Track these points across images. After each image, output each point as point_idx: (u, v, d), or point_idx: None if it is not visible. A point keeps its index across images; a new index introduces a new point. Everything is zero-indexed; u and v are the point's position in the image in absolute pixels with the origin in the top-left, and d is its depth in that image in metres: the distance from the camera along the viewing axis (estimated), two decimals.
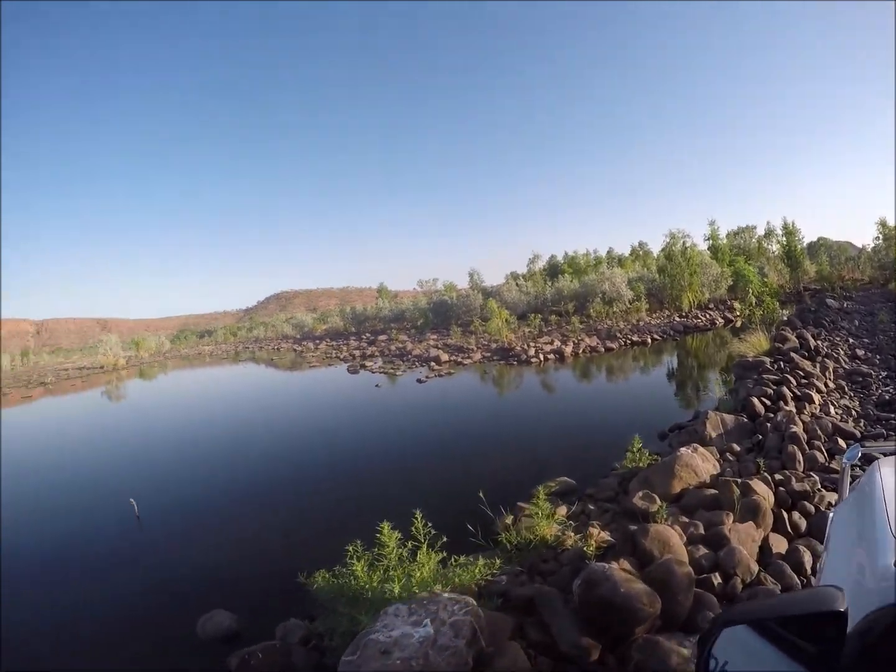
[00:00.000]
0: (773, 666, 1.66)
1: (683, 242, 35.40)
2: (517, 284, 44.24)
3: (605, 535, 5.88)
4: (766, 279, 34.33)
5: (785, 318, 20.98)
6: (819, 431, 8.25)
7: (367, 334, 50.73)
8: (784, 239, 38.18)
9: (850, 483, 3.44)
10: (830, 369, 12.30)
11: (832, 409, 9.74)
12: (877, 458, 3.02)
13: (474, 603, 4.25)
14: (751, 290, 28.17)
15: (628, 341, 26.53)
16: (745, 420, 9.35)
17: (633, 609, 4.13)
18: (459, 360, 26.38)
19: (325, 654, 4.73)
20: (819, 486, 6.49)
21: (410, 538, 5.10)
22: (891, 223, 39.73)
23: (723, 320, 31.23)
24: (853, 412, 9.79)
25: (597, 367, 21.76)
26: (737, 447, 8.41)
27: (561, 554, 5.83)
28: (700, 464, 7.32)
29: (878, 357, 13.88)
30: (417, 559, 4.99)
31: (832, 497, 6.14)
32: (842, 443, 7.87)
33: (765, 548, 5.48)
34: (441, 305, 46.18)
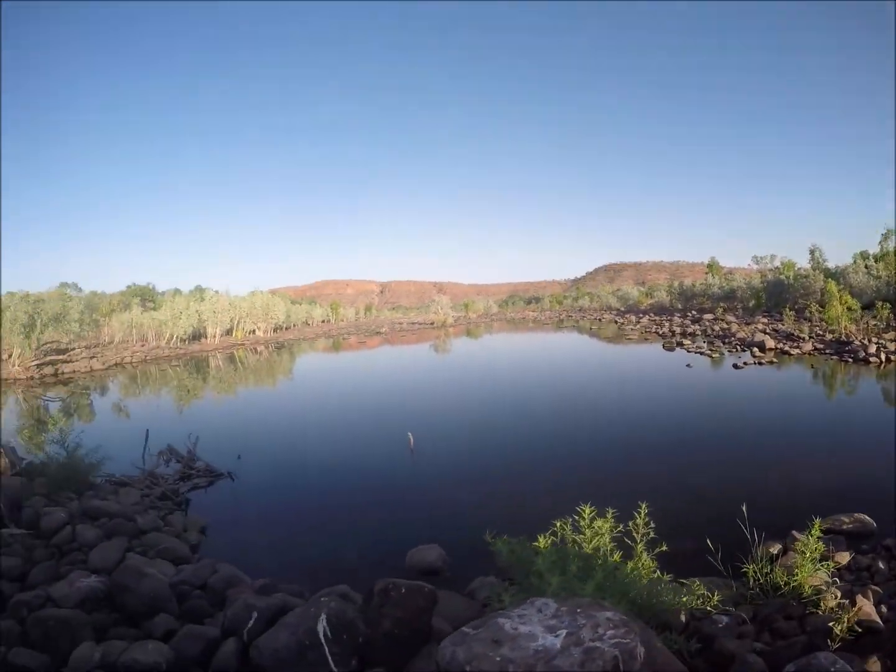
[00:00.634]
0: None
1: None
2: (866, 266, 38.08)
3: (871, 612, 4.42)
4: None
5: None
6: None
7: (693, 312, 49.72)
8: None
9: None
10: None
11: None
12: None
13: (636, 632, 3.31)
14: None
15: None
16: None
17: None
18: (786, 348, 24.75)
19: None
20: None
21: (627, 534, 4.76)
22: None
23: None
24: None
25: None
26: None
27: (807, 617, 4.62)
28: None
29: None
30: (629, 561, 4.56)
31: None
32: None
33: None
34: (776, 286, 42.79)
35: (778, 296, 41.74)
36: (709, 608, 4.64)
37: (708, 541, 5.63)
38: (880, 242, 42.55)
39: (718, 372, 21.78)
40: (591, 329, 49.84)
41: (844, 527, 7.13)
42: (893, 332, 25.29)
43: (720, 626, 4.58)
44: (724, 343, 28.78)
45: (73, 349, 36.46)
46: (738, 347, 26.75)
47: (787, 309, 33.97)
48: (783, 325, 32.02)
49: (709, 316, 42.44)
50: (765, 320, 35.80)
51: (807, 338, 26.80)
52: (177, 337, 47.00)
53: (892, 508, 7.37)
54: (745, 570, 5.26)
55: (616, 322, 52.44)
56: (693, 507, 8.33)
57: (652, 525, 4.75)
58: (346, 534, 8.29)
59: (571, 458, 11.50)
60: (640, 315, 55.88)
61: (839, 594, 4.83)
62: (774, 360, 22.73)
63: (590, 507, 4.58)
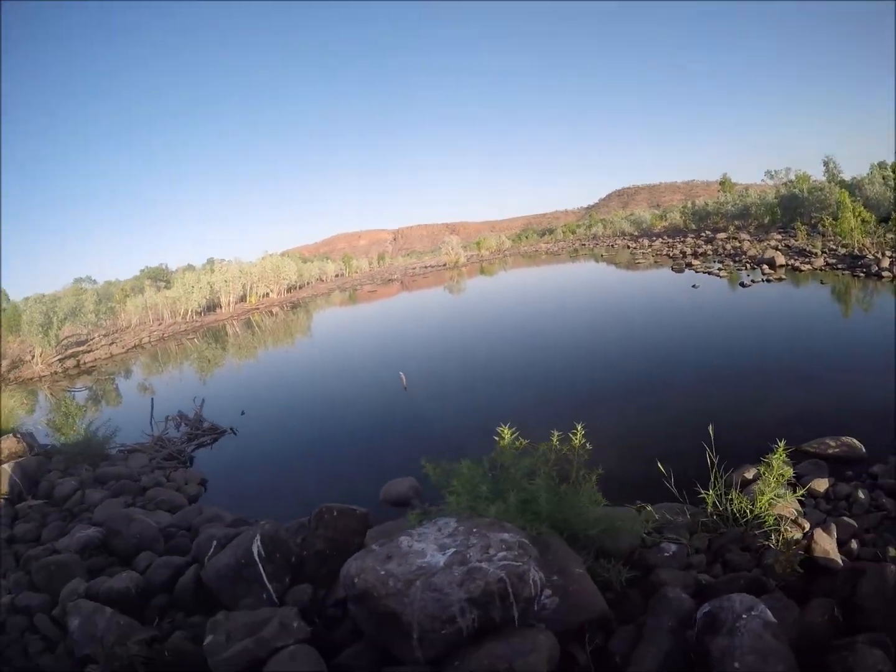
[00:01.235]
0: None
1: None
2: (883, 177, 36.23)
3: (830, 549, 4.24)
4: None
5: None
6: None
7: (707, 232, 48.96)
8: None
9: None
10: None
11: None
12: None
13: (532, 556, 3.48)
14: None
15: None
16: None
17: None
18: (797, 265, 24.38)
19: None
20: None
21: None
22: None
23: None
24: None
25: None
26: None
27: (767, 549, 4.53)
28: None
29: None
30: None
31: None
32: None
33: None
34: (790, 200, 41.62)
35: (793, 211, 40.64)
36: (659, 536, 4.72)
37: (660, 465, 5.59)
38: None
39: (724, 291, 21.94)
40: (601, 256, 50.17)
41: (830, 451, 6.92)
42: None
43: (666, 555, 4.58)
44: (734, 262, 28.60)
45: (92, 339, 37.35)
46: (749, 265, 26.60)
47: (800, 224, 33.30)
48: (796, 240, 31.40)
49: (722, 235, 41.81)
50: (779, 237, 35.18)
51: (819, 253, 26.22)
52: (191, 311, 47.73)
53: (886, 433, 7.13)
54: (702, 495, 5.07)
55: (629, 247, 52.24)
56: (668, 432, 8.40)
57: (589, 447, 4.81)
58: (334, 474, 8.99)
59: (561, 387, 12.04)
60: (654, 238, 55.23)
61: (807, 525, 4.83)
62: (783, 276, 22.63)
63: (510, 428, 4.74)
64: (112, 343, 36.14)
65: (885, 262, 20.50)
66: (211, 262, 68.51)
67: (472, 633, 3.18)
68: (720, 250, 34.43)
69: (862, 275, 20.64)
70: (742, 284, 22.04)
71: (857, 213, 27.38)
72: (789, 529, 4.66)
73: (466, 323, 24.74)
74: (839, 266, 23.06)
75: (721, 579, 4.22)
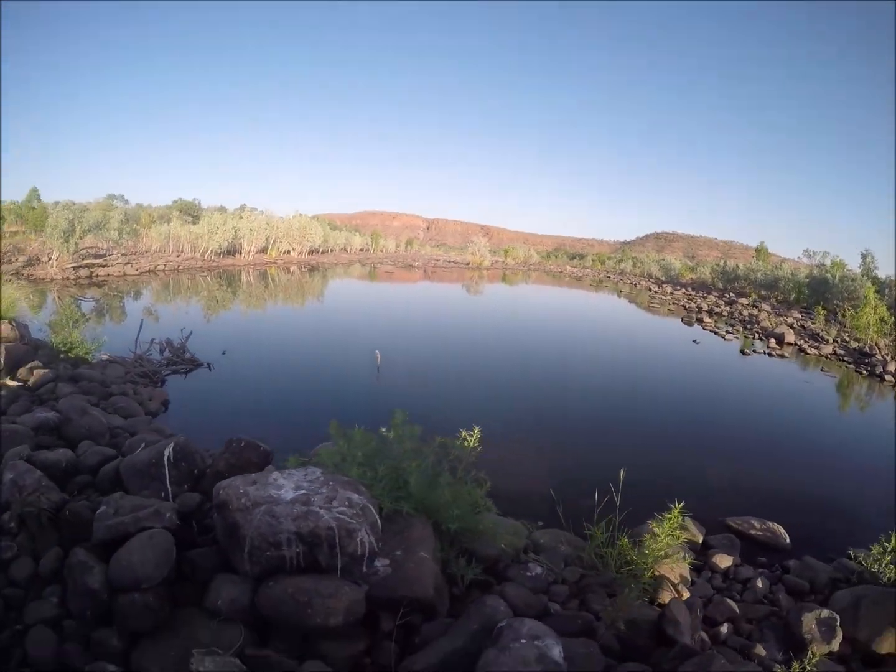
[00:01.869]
0: None
1: None
2: None
3: (683, 622, 4.23)
4: None
5: None
6: None
7: (731, 294, 49.03)
8: None
9: None
10: None
11: None
12: None
13: (370, 521, 3.89)
14: None
15: None
16: None
17: None
18: (805, 346, 24.50)
19: None
20: None
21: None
22: None
23: None
24: None
25: None
26: None
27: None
28: None
29: None
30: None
31: None
32: None
33: None
34: (820, 283, 41.57)
35: (820, 294, 40.53)
36: (533, 557, 5.05)
37: (552, 492, 6.01)
38: None
39: (721, 353, 22.28)
40: (621, 292, 51.16)
41: (752, 532, 7.12)
42: None
43: (528, 574, 4.83)
44: (746, 328, 28.87)
45: (111, 255, 37.98)
46: (759, 335, 26.80)
47: (821, 308, 33.39)
48: (813, 324, 31.45)
49: (744, 300, 42.02)
50: (798, 315, 35.27)
51: (830, 340, 26.24)
52: (211, 250, 48.18)
53: (821, 531, 7.33)
54: (589, 532, 5.09)
55: (650, 290, 52.83)
56: (597, 466, 8.65)
57: (477, 448, 5.24)
58: (285, 424, 9.61)
59: (517, 400, 12.66)
60: (678, 287, 55.41)
61: (686, 594, 5.05)
62: (787, 354, 22.80)
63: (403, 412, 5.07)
64: (128, 263, 36.65)
65: (892, 367, 20.31)
66: (243, 208, 69.17)
67: (298, 567, 3.67)
68: (736, 314, 34.72)
69: (865, 372, 20.57)
70: (742, 352, 22.30)
71: (876, 311, 27.28)
72: (662, 590, 4.84)
73: (462, 322, 25.53)
74: (846, 358, 23.05)
75: (563, 612, 4.43)
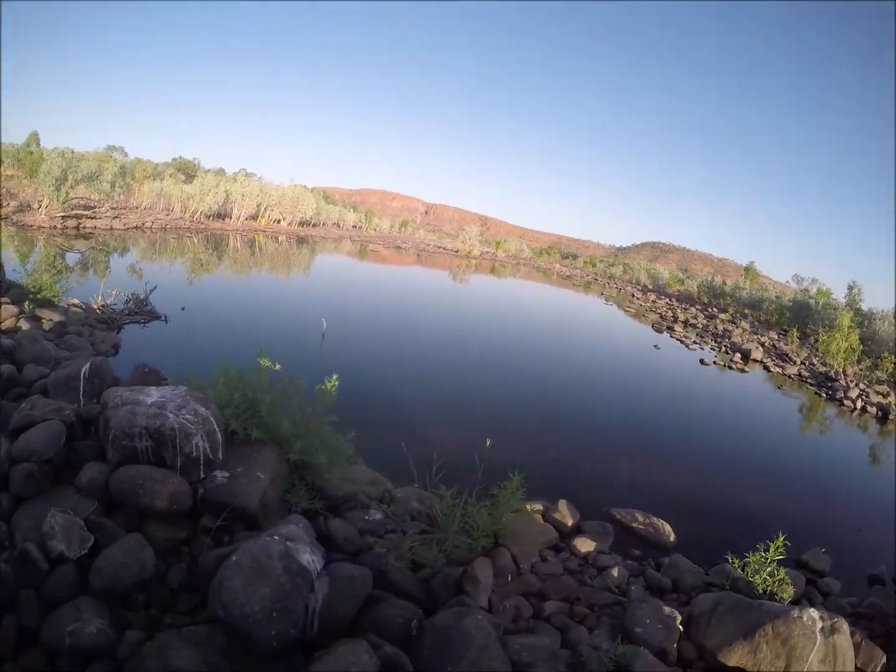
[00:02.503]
0: None
1: None
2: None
3: (484, 580, 4.58)
4: None
5: None
6: None
7: (714, 309, 49.86)
8: None
9: None
10: None
11: None
12: None
13: (209, 432, 4.54)
14: None
15: None
16: None
17: None
18: (770, 364, 25.25)
19: None
20: None
21: None
22: None
23: None
24: None
25: None
26: None
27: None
28: None
29: None
30: None
31: None
32: None
33: None
34: (802, 307, 42.59)
35: (801, 318, 41.35)
36: (378, 505, 5.62)
37: (403, 445, 6.39)
38: None
39: (678, 360, 23.17)
40: (602, 294, 52.65)
41: (634, 524, 7.38)
42: (887, 386, 24.19)
43: (366, 518, 5.41)
44: (716, 342, 29.66)
45: (101, 208, 37.99)
46: (726, 349, 27.52)
47: (794, 331, 34.14)
48: (786, 345, 32.28)
49: (723, 316, 42.79)
50: (774, 336, 36.14)
51: (798, 362, 27.05)
52: (201, 212, 48.26)
53: (719, 534, 7.56)
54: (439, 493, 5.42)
55: (633, 296, 54.01)
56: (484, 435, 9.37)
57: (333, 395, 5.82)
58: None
59: (447, 380, 13.47)
60: (662, 297, 56.22)
61: (523, 565, 5.49)
62: (747, 369, 23.43)
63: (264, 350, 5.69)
64: (116, 217, 36.69)
65: (854, 393, 20.89)
66: (242, 172, 68.89)
67: (148, 460, 4.40)
68: (711, 328, 35.56)
69: (824, 395, 21.22)
70: (702, 361, 22.92)
71: (848, 338, 27.87)
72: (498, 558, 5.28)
73: (430, 307, 26.41)
74: (809, 380, 23.72)
75: (375, 552, 4.77)
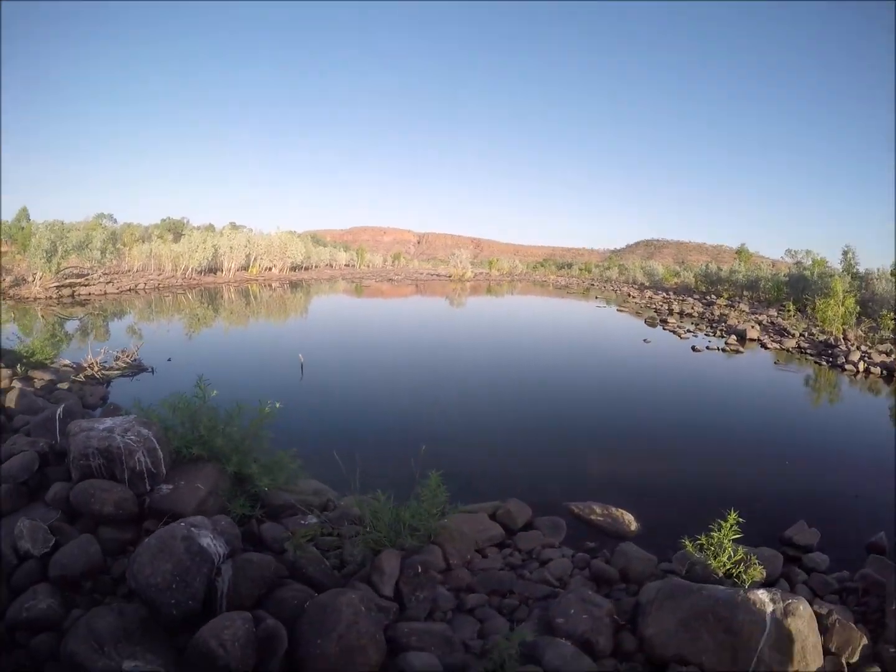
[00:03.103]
0: None
1: None
2: (893, 275, 36.49)
3: (389, 572, 5.05)
4: None
5: None
6: None
7: (713, 296, 50.15)
8: None
9: None
10: None
11: None
12: None
13: (147, 448, 5.34)
14: None
15: None
16: None
17: None
18: (767, 341, 25.11)
19: None
20: None
21: None
22: None
23: None
24: None
25: None
26: None
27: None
28: None
29: None
30: None
31: None
32: None
33: None
34: (799, 280, 42.30)
35: (799, 291, 41.19)
36: (317, 513, 6.10)
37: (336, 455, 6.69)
38: None
39: (670, 350, 23.44)
40: (597, 297, 53.55)
41: (592, 517, 7.42)
42: (890, 345, 23.85)
43: (301, 522, 5.83)
44: (712, 328, 29.81)
45: (93, 275, 38.91)
46: (722, 333, 27.58)
47: (791, 304, 34.28)
48: (785, 320, 32.30)
49: (720, 301, 43.10)
50: (773, 313, 36.20)
51: (797, 335, 26.84)
52: (192, 269, 49.17)
53: (689, 522, 6.70)
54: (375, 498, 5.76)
55: (630, 295, 54.81)
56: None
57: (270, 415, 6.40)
58: None
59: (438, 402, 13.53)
60: (658, 292, 56.74)
61: (456, 560, 5.71)
62: (742, 349, 23.29)
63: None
64: (109, 282, 37.64)
65: (855, 356, 20.70)
66: (233, 225, 70.17)
67: (102, 476, 5.19)
68: (707, 315, 35.90)
69: (825, 363, 21.02)
70: (693, 348, 23.11)
71: (844, 302, 27.91)
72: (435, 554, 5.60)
73: (415, 334, 26.52)
74: (808, 351, 23.54)
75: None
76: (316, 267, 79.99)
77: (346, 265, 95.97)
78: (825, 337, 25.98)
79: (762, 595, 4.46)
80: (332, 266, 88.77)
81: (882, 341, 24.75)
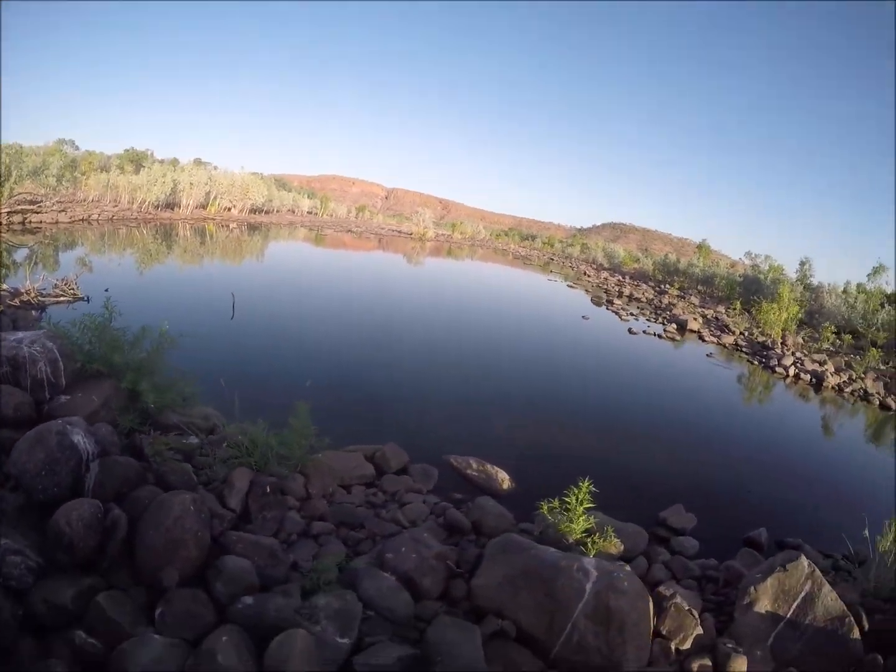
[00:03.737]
0: None
1: None
2: (844, 291, 38.80)
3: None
4: None
5: None
6: None
7: (667, 285, 51.37)
8: None
9: None
10: None
11: None
12: None
13: (49, 360, 5.87)
14: None
15: None
16: None
17: None
18: (705, 335, 25.92)
19: None
20: None
21: None
22: None
23: None
24: None
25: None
26: None
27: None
28: None
29: None
30: None
31: None
32: None
33: None
34: (752, 282, 43.85)
35: (751, 293, 42.28)
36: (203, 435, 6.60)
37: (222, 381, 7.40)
38: (869, 275, 39.89)
39: (606, 330, 24.42)
40: (551, 271, 55.53)
41: (468, 471, 7.85)
42: (825, 355, 24.75)
43: (182, 441, 6.24)
44: (656, 314, 30.93)
45: (46, 202, 37.84)
46: (664, 321, 28.63)
47: (737, 303, 35.57)
48: (729, 317, 33.46)
49: (673, 291, 44.34)
50: (722, 309, 37.30)
51: (737, 332, 27.98)
52: (149, 202, 48.08)
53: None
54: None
55: (585, 274, 56.05)
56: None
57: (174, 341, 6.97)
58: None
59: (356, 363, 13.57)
60: (615, 274, 57.87)
61: (315, 491, 6.22)
62: (678, 338, 24.22)
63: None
64: (62, 211, 36.57)
65: (788, 361, 21.61)
66: (197, 161, 68.53)
67: (10, 383, 5.61)
68: (656, 302, 37.08)
69: (757, 363, 22.00)
70: (630, 331, 24.02)
71: (788, 309, 28.95)
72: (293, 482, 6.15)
73: (355, 288, 26.78)
74: (744, 349, 24.63)
75: None
76: (277, 211, 78.77)
77: (308, 212, 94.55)
78: (764, 339, 26.96)
79: (588, 564, 4.66)
80: (293, 212, 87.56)
81: (819, 351, 25.83)
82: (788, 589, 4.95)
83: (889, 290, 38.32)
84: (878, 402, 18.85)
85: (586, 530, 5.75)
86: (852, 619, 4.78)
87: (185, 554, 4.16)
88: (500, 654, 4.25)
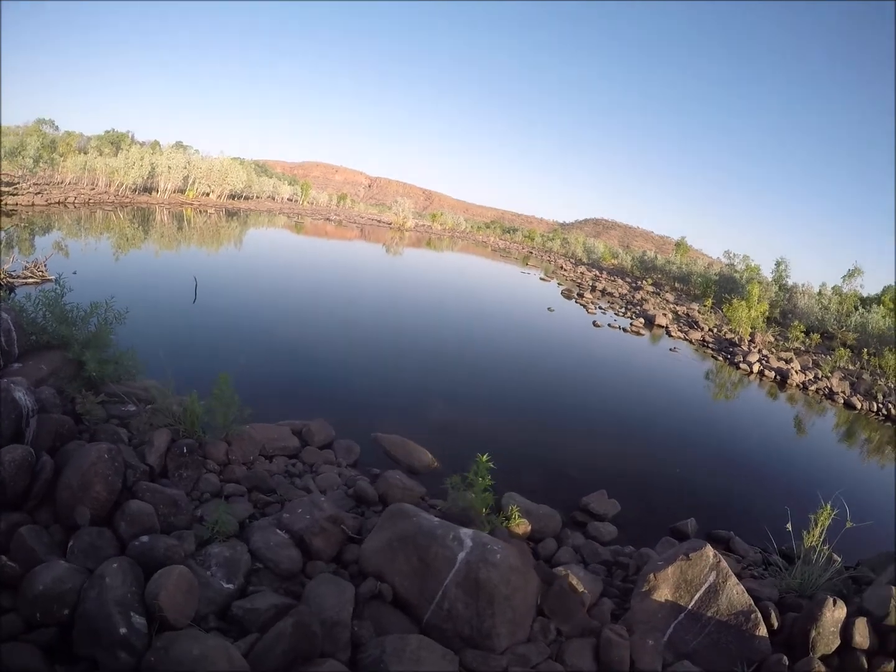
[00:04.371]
0: None
1: None
2: (819, 293, 40.21)
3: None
4: None
5: None
6: None
7: (644, 282, 52.12)
8: None
9: None
10: None
11: None
12: None
13: (8, 325, 6.39)
14: None
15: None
16: None
17: None
18: (673, 330, 26.42)
19: None
20: None
21: None
22: None
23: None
24: None
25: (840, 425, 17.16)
26: None
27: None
28: None
29: None
30: None
31: None
32: None
33: None
34: (727, 281, 44.82)
35: (727, 291, 42.75)
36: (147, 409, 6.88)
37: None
38: (844, 277, 40.66)
39: (572, 322, 24.77)
40: (527, 263, 55.72)
41: (392, 449, 8.30)
42: (793, 354, 25.36)
43: (122, 408, 6.69)
44: (625, 309, 31.51)
45: (22, 184, 37.63)
46: (632, 315, 29.28)
47: (708, 299, 36.27)
48: (700, 314, 34.11)
49: (650, 287, 45.08)
50: (695, 307, 37.91)
51: (705, 329, 28.64)
52: (126, 186, 47.95)
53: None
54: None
55: (562, 268, 56.31)
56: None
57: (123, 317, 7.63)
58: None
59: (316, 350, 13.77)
60: (593, 270, 58.48)
61: (237, 456, 6.59)
62: (643, 333, 24.83)
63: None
64: (38, 193, 36.41)
65: (753, 358, 22.19)
66: (178, 145, 67.94)
67: None
68: (629, 297, 37.72)
69: (721, 359, 22.52)
70: (594, 324, 24.61)
71: (759, 308, 29.74)
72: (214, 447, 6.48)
73: (325, 277, 26.80)
74: (711, 345, 25.13)
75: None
76: (257, 197, 78.81)
77: (288, 199, 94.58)
78: (732, 336, 27.53)
79: (464, 535, 4.79)
80: (273, 199, 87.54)
81: (786, 350, 26.52)
82: (691, 579, 4.99)
83: (863, 293, 39.45)
84: (842, 402, 19.42)
85: (490, 508, 6.00)
86: (759, 614, 4.79)
87: (95, 495, 4.57)
88: (375, 615, 4.53)
